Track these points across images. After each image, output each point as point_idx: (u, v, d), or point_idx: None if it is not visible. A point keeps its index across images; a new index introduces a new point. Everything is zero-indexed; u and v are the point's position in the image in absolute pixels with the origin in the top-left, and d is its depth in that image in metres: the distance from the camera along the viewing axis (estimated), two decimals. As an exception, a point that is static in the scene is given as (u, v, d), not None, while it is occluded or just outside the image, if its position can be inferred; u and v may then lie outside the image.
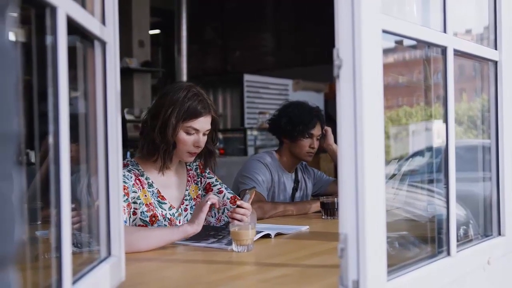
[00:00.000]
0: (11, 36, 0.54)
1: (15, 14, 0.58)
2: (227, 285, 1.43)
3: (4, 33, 0.53)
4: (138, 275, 1.50)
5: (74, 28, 1.06)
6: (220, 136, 7.50)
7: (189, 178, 2.24)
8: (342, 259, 1.12)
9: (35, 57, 1.01)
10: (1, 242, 0.51)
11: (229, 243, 1.84)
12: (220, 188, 2.27)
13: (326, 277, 1.45)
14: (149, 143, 2.08)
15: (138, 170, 2.10)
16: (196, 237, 1.99)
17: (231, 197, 2.24)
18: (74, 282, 1.03)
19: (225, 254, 1.76)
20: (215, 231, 2.06)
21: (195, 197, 2.24)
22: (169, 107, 2.03)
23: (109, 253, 1.30)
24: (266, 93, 7.80)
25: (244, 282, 1.47)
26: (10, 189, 0.52)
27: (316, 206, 2.72)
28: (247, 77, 7.70)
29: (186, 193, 2.21)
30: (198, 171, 2.28)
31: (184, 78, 7.42)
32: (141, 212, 2.03)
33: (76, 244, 1.22)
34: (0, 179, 0.51)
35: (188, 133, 2.07)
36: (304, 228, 2.25)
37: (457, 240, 1.46)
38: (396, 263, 1.27)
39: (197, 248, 1.87)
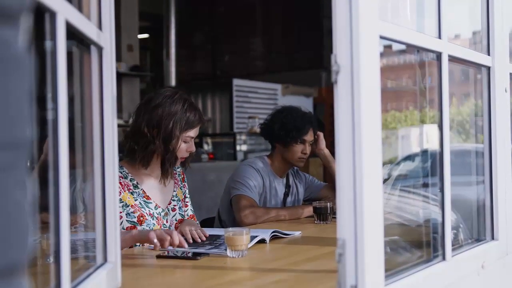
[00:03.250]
0: (25, 44, 0.54)
1: (28, 22, 0.57)
2: (223, 290, 1.43)
3: (17, 40, 0.52)
4: (134, 281, 1.49)
5: (71, 32, 1.05)
6: (209, 140, 7.49)
7: (175, 181, 2.33)
8: (340, 264, 1.11)
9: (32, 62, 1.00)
10: (16, 249, 0.51)
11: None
12: (187, 202, 2.38)
13: (322, 282, 1.45)
14: (149, 154, 2.13)
15: (122, 173, 2.15)
16: (193, 245, 1.97)
17: (190, 214, 2.37)
18: (72, 289, 1.03)
19: (219, 260, 1.75)
20: (211, 239, 2.05)
21: (181, 199, 2.33)
22: (170, 119, 2.11)
23: (105, 260, 1.29)
24: (255, 98, 7.79)
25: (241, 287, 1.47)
26: (24, 197, 0.52)
27: (308, 211, 2.72)
28: (236, 81, 7.69)
29: (174, 194, 2.29)
30: (180, 178, 2.37)
31: (173, 82, 7.41)
32: (127, 214, 2.08)
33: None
34: (15, 187, 0.50)
35: (185, 142, 2.18)
36: (297, 234, 2.24)
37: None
38: (392, 268, 1.27)
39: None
